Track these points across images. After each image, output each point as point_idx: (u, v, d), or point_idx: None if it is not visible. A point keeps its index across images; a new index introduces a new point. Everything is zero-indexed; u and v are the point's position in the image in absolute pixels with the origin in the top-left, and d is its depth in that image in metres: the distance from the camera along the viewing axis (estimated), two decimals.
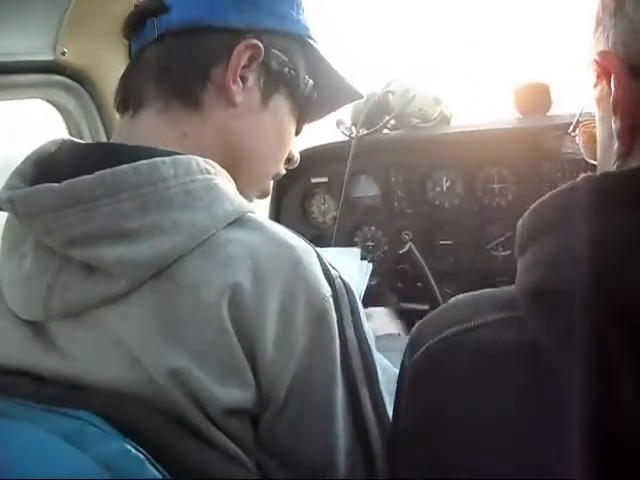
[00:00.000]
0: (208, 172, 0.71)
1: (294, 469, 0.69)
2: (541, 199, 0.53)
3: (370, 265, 1.29)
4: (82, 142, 0.79)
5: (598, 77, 0.54)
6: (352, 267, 1.26)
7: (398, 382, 0.63)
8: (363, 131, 1.50)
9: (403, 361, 0.62)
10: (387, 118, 1.49)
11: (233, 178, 0.76)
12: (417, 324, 0.63)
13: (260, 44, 0.78)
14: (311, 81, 0.85)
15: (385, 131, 1.51)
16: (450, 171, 1.47)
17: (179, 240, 0.66)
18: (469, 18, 1.63)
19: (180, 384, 0.63)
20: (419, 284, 1.41)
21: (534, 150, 1.35)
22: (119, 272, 0.65)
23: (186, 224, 0.66)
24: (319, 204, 1.63)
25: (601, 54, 0.53)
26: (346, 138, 1.52)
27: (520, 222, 0.55)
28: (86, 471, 0.57)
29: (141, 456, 0.59)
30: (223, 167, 0.75)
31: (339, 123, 1.54)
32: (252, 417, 0.68)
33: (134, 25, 0.81)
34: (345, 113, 1.55)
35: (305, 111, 0.87)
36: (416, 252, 1.37)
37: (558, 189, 0.52)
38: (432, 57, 1.60)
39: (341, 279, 0.72)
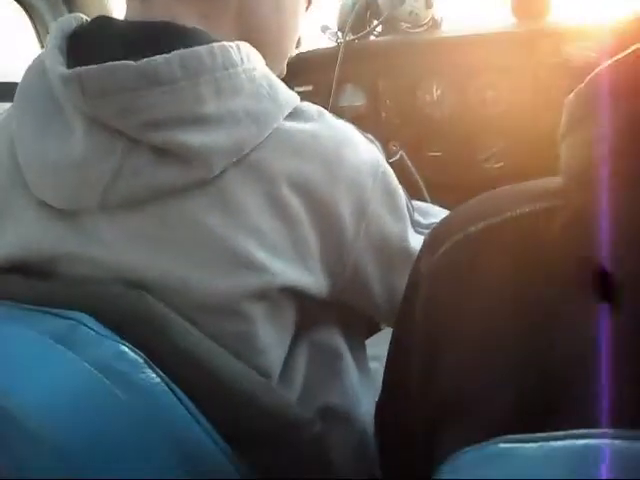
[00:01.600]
0: (260, 60, 0.70)
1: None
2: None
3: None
4: (119, 19, 0.72)
5: None
6: None
7: (409, 291, 0.59)
8: (350, 36, 1.43)
9: (416, 268, 0.57)
10: (375, 22, 1.42)
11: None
12: (432, 227, 0.59)
13: None
14: None
15: (373, 37, 1.45)
16: (441, 79, 1.41)
17: (253, 128, 0.65)
18: None
19: (246, 266, 0.64)
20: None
21: (530, 56, 1.30)
22: (198, 158, 0.63)
23: (257, 112, 0.66)
24: None
25: None
26: (332, 44, 1.46)
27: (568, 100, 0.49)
28: (79, 375, 0.53)
29: (139, 359, 0.55)
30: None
31: (324, 28, 1.48)
32: (305, 300, 0.70)
33: None
34: (331, 17, 1.48)
35: None
36: (407, 161, 1.33)
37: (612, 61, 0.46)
38: None
39: (374, 140, 0.78)
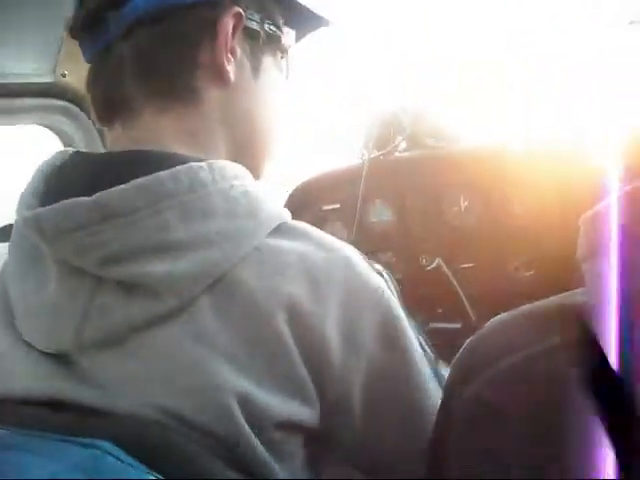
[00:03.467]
0: (241, 177, 0.67)
1: (383, 471, 0.68)
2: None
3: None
4: (94, 152, 0.72)
5: None
6: None
7: (441, 419, 0.56)
8: (375, 153, 1.45)
9: (449, 393, 0.55)
10: (400, 139, 1.44)
11: (247, 160, 0.72)
12: (465, 346, 0.57)
13: (240, 9, 0.71)
14: (291, 30, 0.79)
15: (398, 153, 1.46)
16: (466, 191, 1.41)
17: (228, 248, 0.62)
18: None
19: (240, 405, 0.59)
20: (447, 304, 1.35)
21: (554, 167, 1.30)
22: (168, 289, 0.60)
23: (232, 231, 0.62)
24: (331, 232, 1.57)
25: None
26: (357, 162, 1.48)
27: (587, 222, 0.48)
28: None
29: None
30: (238, 155, 0.72)
31: (350, 145, 1.50)
32: (307, 435, 0.64)
33: (91, 23, 0.71)
34: (355, 135, 1.51)
35: (290, 59, 0.81)
36: (445, 268, 1.32)
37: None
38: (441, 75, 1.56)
39: (383, 270, 0.72)
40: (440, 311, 1.39)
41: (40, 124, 1.23)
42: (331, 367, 0.63)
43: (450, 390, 0.55)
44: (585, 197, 1.24)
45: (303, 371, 0.62)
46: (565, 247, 1.21)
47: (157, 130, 0.70)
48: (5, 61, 1.08)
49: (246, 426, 0.59)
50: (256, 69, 0.74)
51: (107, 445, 0.54)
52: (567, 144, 1.31)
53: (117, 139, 0.72)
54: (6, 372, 0.66)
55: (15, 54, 1.08)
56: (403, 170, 1.46)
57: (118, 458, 0.53)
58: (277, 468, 0.61)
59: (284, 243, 0.64)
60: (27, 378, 0.64)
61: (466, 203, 1.41)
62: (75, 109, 1.21)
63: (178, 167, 0.62)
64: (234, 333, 0.60)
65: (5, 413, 0.63)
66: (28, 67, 1.12)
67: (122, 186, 0.60)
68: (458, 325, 1.31)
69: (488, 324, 0.57)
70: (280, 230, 0.66)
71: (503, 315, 0.57)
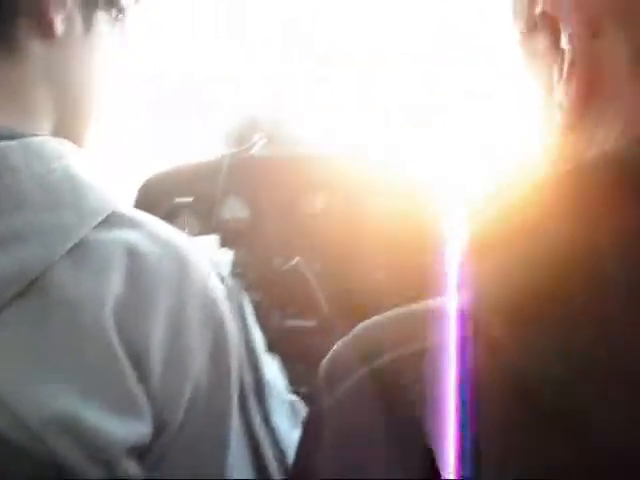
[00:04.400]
0: (64, 156, 0.57)
1: None
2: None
3: (230, 254, 1.21)
4: None
5: (543, 28, 0.48)
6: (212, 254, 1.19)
7: (308, 426, 0.54)
8: (232, 149, 1.44)
9: (316, 401, 0.53)
10: (258, 138, 1.43)
11: (70, 127, 0.65)
12: (328, 355, 0.54)
13: None
14: None
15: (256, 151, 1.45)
16: (323, 194, 1.42)
17: (43, 247, 0.53)
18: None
19: (66, 430, 0.50)
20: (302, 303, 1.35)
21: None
22: None
23: (50, 226, 0.53)
24: (183, 226, 1.53)
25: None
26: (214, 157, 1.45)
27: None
28: None
29: None
30: (61, 120, 0.63)
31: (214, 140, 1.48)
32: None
33: None
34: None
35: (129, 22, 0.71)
36: (302, 268, 1.31)
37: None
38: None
39: (229, 279, 0.63)
40: (295, 310, 1.38)
41: None
42: (151, 384, 0.55)
43: (317, 402, 0.53)
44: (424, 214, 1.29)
45: (135, 383, 0.54)
46: (414, 252, 1.26)
47: None
48: None
49: (78, 452, 0.51)
50: (88, 25, 0.65)
51: None
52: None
53: None
54: None
55: None
56: (260, 169, 1.45)
57: None
58: None
59: (111, 235, 0.56)
60: None
61: (322, 206, 1.42)
62: None
63: None
64: (55, 344, 0.52)
65: None
66: None
67: None
68: (313, 323, 1.31)
69: (353, 331, 0.55)
70: (109, 220, 0.57)
71: (367, 321, 0.55)
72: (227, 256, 1.17)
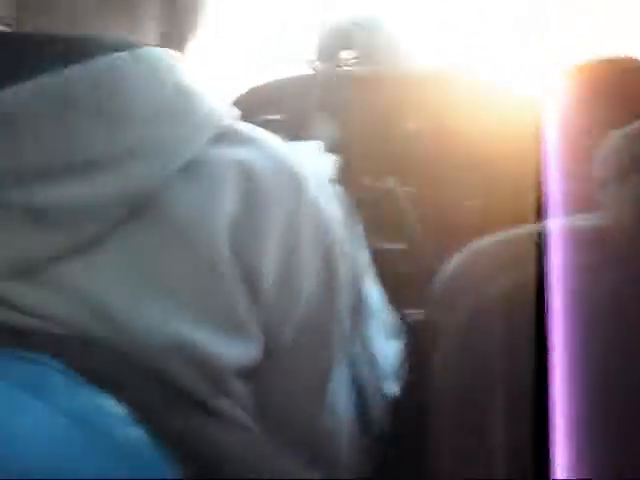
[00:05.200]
0: (174, 68, 0.55)
1: (279, 428, 0.58)
2: None
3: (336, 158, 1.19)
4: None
5: None
6: (317, 161, 1.17)
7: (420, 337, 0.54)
8: (323, 65, 1.40)
9: (434, 318, 0.53)
10: (350, 52, 1.39)
11: (173, 37, 0.63)
12: (443, 273, 0.54)
13: None
14: None
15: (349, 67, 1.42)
16: (416, 114, 1.38)
17: (157, 162, 0.51)
18: None
19: (178, 351, 0.51)
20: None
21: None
22: (84, 215, 0.50)
23: (162, 141, 0.51)
24: None
25: None
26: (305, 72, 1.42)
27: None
28: (53, 426, 0.45)
29: (120, 413, 0.47)
30: (165, 30, 0.61)
31: (301, 56, 1.45)
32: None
33: None
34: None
35: None
36: (396, 189, 1.29)
37: None
38: None
39: (340, 198, 0.62)
40: (386, 232, 1.36)
41: None
42: (262, 305, 0.54)
43: (435, 315, 0.53)
44: (531, 132, 1.24)
45: (247, 306, 0.53)
46: (514, 178, 1.22)
47: None
48: None
49: (188, 369, 0.52)
50: None
51: (52, 362, 0.49)
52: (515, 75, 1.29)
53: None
54: None
55: None
56: (353, 87, 1.41)
57: (67, 376, 0.48)
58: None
59: (225, 151, 0.54)
60: None
61: (414, 126, 1.38)
62: None
63: (94, 61, 0.51)
64: (168, 265, 0.52)
65: None
66: None
67: (18, 87, 0.49)
68: (404, 246, 1.29)
69: (465, 250, 0.55)
70: (223, 135, 0.55)
71: (479, 242, 0.55)
72: (331, 162, 1.16)
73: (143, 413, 0.49)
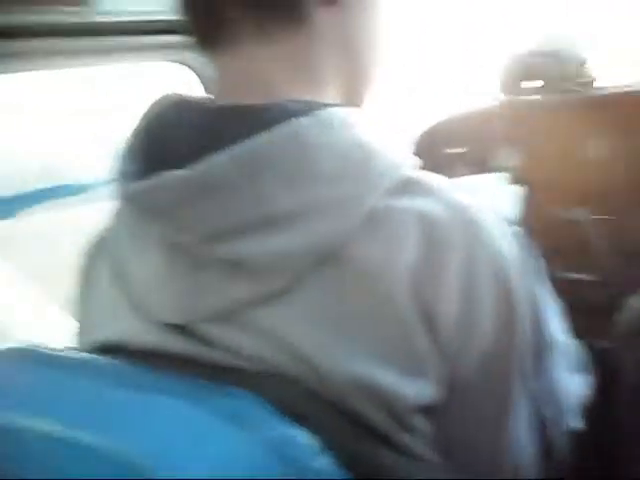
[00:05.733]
0: (352, 124, 0.59)
1: (461, 462, 0.60)
2: None
3: (521, 189, 1.17)
4: (192, 102, 0.66)
5: None
6: (500, 194, 1.15)
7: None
8: (507, 96, 1.40)
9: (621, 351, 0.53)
10: (534, 82, 1.38)
11: (351, 90, 0.67)
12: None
13: None
14: None
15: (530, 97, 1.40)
16: (606, 140, 1.33)
17: (339, 218, 0.55)
18: None
19: (363, 390, 0.54)
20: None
21: None
22: (274, 267, 0.55)
23: (344, 197, 0.55)
24: (455, 177, 1.52)
25: None
26: (485, 105, 1.42)
27: None
28: (251, 455, 0.49)
29: (313, 445, 0.51)
30: (346, 85, 0.66)
31: (480, 88, 1.45)
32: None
33: None
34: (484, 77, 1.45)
35: None
36: (584, 218, 1.26)
37: None
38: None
39: (519, 236, 0.62)
40: (574, 262, 1.33)
41: (172, 61, 1.22)
42: (442, 346, 0.56)
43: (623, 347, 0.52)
44: None
45: (427, 347, 0.55)
46: None
47: (260, 60, 0.63)
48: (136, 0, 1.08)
49: (370, 405, 0.55)
50: None
51: (251, 396, 0.54)
52: None
53: (221, 72, 0.66)
54: (123, 324, 0.64)
55: None
56: (537, 114, 1.39)
57: (265, 409, 0.52)
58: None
59: (403, 202, 0.57)
60: (146, 333, 0.62)
61: (601, 153, 1.34)
62: None
63: (279, 127, 0.56)
64: (352, 311, 0.55)
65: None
66: (158, 4, 1.11)
67: (218, 156, 0.55)
68: (594, 277, 1.25)
69: None
70: (403, 186, 0.58)
71: None
72: (515, 194, 1.15)
73: (332, 445, 0.52)
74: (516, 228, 0.63)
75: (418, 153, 0.66)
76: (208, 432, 0.50)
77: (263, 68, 0.63)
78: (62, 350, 0.67)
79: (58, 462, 0.53)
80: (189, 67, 1.25)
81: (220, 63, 0.66)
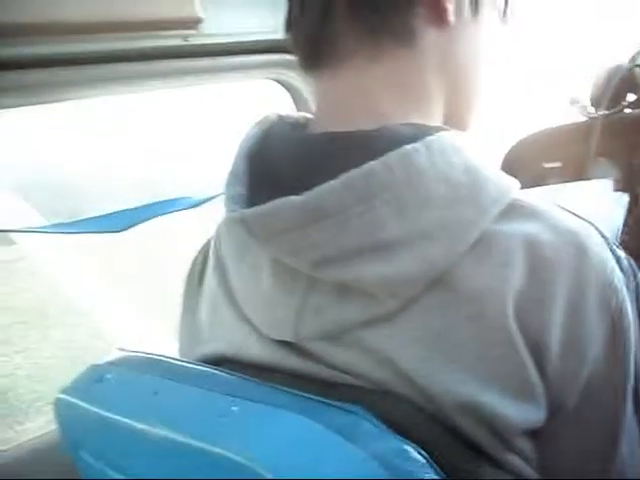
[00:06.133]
0: (461, 149, 0.60)
1: None
2: None
3: (626, 197, 1.14)
4: (296, 124, 0.68)
5: None
6: (605, 201, 1.13)
7: None
8: (603, 110, 1.37)
9: None
10: (632, 96, 1.35)
11: (461, 113, 0.68)
12: None
13: None
14: None
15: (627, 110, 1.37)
16: None
17: (448, 243, 0.56)
18: None
19: (468, 411, 0.56)
20: None
21: None
22: (384, 291, 0.57)
23: (453, 222, 0.57)
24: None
25: None
26: (580, 118, 1.40)
27: None
28: (364, 468, 0.52)
29: (422, 459, 0.53)
30: (452, 108, 0.67)
31: (574, 101, 1.42)
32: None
33: None
34: (579, 89, 1.43)
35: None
36: None
37: None
38: None
39: (627, 259, 0.62)
40: None
41: (272, 79, 1.26)
42: (548, 370, 0.57)
43: None
44: None
45: (533, 371, 0.57)
46: None
47: (368, 80, 0.64)
48: (238, 20, 1.11)
49: (478, 428, 0.57)
50: (475, 11, 0.66)
51: (361, 410, 0.56)
52: None
53: (325, 92, 0.67)
54: (232, 338, 0.67)
55: (246, 12, 1.11)
56: (632, 128, 1.37)
57: (374, 425, 0.54)
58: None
59: (510, 227, 0.58)
60: (254, 348, 0.65)
61: None
62: None
63: (390, 154, 0.57)
64: (459, 335, 0.57)
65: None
66: (260, 24, 1.15)
67: (331, 183, 0.56)
68: None
69: None
70: (508, 211, 0.59)
71: None
72: (622, 202, 1.13)
73: (437, 460, 0.54)
74: (624, 257, 0.62)
75: (508, 165, 0.66)
76: (323, 445, 0.52)
77: (369, 86, 0.64)
78: (177, 360, 0.70)
79: (179, 469, 0.56)
80: (283, 85, 1.28)
81: (323, 81, 0.67)
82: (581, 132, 1.37)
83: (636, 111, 1.37)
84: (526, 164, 1.48)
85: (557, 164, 1.45)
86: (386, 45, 0.63)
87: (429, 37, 0.64)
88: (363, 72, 0.64)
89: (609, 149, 1.39)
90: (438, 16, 0.64)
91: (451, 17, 0.64)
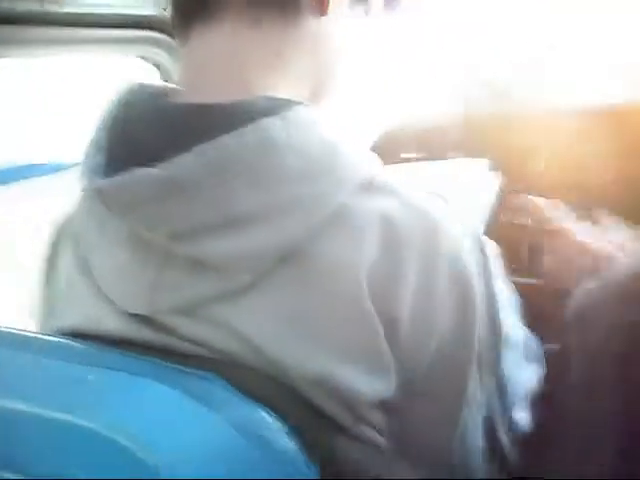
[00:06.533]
0: (318, 123, 0.60)
1: (413, 453, 0.63)
2: None
3: (499, 177, 1.19)
4: (157, 94, 0.65)
5: None
6: (478, 179, 1.18)
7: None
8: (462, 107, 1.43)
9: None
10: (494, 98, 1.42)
11: (319, 91, 0.70)
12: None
13: None
14: None
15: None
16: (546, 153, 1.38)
17: (303, 218, 0.56)
18: None
19: (321, 384, 0.57)
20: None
21: None
22: (234, 266, 0.57)
23: (309, 197, 0.57)
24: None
25: None
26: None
27: None
28: (220, 432, 0.52)
29: (277, 425, 0.54)
30: (313, 86, 0.68)
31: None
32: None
33: None
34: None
35: None
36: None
37: None
38: None
39: (480, 237, 0.65)
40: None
41: (139, 56, 1.24)
42: (399, 343, 0.59)
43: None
44: None
45: (385, 345, 0.58)
46: None
47: (242, 44, 0.64)
48: None
49: (330, 400, 0.58)
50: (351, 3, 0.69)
51: (215, 378, 0.56)
52: None
53: (191, 53, 0.66)
54: (89, 311, 0.66)
55: None
56: (490, 127, 1.43)
57: (230, 392, 0.55)
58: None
59: (367, 203, 0.59)
60: (111, 321, 0.64)
61: (549, 164, 1.38)
62: (174, 43, 1.21)
63: (245, 128, 0.56)
64: (313, 309, 0.57)
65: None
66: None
67: (185, 155, 0.56)
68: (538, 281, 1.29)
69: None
70: (366, 186, 0.60)
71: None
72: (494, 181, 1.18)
73: (294, 431, 0.55)
74: (477, 227, 0.65)
75: (377, 154, 0.69)
76: (180, 411, 0.53)
77: (242, 50, 0.64)
78: (31, 332, 0.68)
79: (37, 440, 0.54)
80: (153, 64, 1.25)
81: (192, 39, 0.66)
82: (442, 127, 1.42)
83: (492, 110, 1.43)
84: (387, 154, 1.51)
85: (415, 155, 1.50)
86: (271, 14, 0.64)
87: (308, 22, 0.66)
88: (239, 34, 0.64)
89: (467, 145, 1.45)
90: (320, 7, 0.65)
91: (329, 9, 0.66)
